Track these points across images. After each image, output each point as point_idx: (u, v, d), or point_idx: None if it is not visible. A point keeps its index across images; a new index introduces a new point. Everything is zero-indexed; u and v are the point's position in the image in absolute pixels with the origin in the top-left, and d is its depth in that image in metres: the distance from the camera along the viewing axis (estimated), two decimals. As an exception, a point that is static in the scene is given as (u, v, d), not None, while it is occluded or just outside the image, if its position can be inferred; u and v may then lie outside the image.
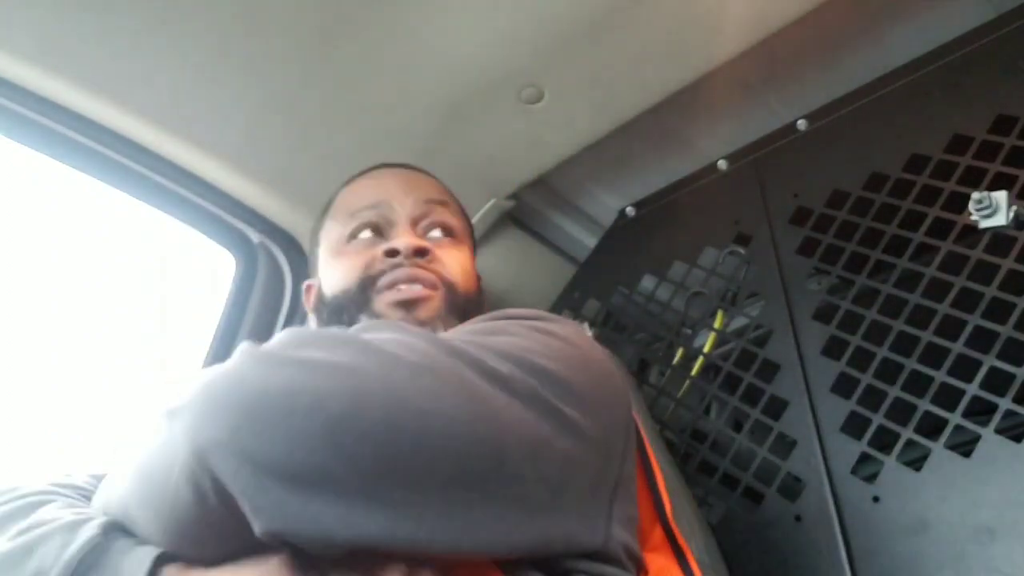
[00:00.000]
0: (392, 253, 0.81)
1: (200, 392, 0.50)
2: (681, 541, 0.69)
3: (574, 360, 0.61)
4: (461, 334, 0.62)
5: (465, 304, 0.82)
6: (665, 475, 0.74)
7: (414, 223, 0.86)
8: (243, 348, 0.53)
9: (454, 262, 0.84)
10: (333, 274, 0.84)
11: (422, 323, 0.77)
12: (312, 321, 0.89)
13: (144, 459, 0.53)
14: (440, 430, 0.49)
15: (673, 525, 0.70)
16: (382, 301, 0.79)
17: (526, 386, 0.55)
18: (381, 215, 0.86)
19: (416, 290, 0.79)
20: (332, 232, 0.88)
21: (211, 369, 0.52)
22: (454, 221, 0.89)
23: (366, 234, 0.85)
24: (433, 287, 0.80)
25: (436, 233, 0.87)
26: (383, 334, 0.55)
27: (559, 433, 0.55)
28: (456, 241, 0.88)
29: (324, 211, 0.93)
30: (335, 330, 0.57)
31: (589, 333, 1.11)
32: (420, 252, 0.81)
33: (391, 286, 0.79)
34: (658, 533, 0.69)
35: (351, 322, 0.79)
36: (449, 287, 0.82)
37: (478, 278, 0.90)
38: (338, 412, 0.48)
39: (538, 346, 0.59)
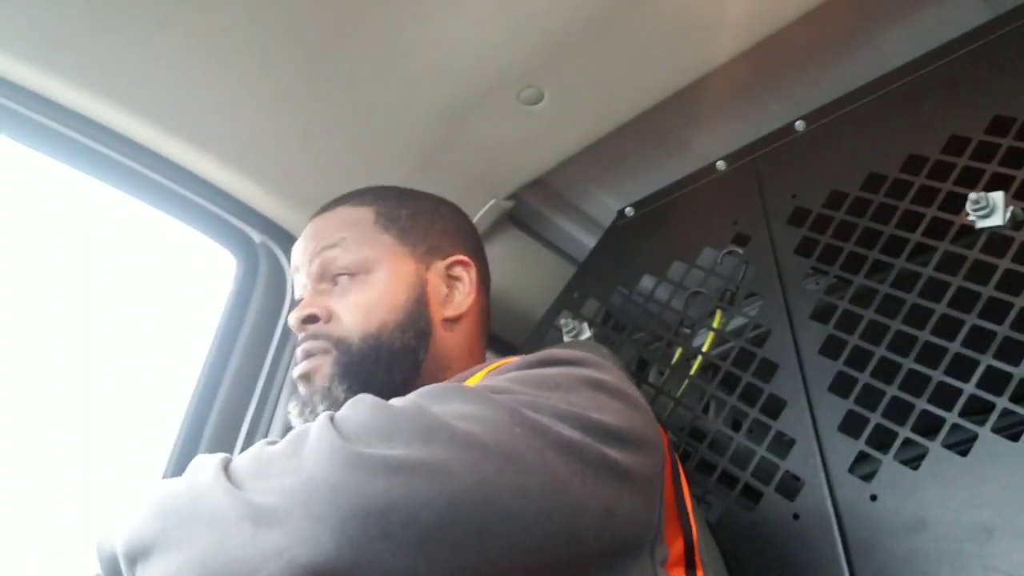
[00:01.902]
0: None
1: (294, 503, 0.48)
2: (698, 560, 0.70)
3: (626, 410, 0.63)
4: (519, 384, 0.60)
5: (368, 353, 0.80)
6: None
7: (317, 280, 0.85)
8: (332, 441, 0.51)
9: (351, 312, 0.82)
10: None
11: (313, 395, 0.79)
12: None
13: (213, 563, 0.49)
14: (527, 528, 0.51)
15: (696, 544, 0.71)
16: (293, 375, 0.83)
17: (595, 454, 0.56)
18: (299, 282, 0.87)
19: (306, 365, 0.80)
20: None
21: (299, 464, 0.50)
22: (348, 257, 0.85)
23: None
24: (325, 352, 0.80)
25: (333, 282, 0.84)
26: (455, 406, 0.55)
27: (624, 495, 0.58)
28: (353, 278, 0.84)
29: None
30: (410, 408, 0.54)
31: (588, 334, 1.12)
32: (306, 321, 0.82)
33: (295, 361, 0.82)
34: (677, 548, 0.69)
35: None
36: (343, 347, 0.80)
37: (416, 287, 0.84)
38: (433, 523, 0.48)
39: (596, 403, 0.61)
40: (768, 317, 0.95)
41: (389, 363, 0.80)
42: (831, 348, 0.88)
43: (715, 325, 1.02)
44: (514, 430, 0.53)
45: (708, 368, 1.01)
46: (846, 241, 0.92)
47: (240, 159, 1.07)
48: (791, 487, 0.85)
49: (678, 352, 1.05)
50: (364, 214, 0.87)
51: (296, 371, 0.81)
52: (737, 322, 1.01)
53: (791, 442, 0.86)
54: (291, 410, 0.80)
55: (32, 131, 0.97)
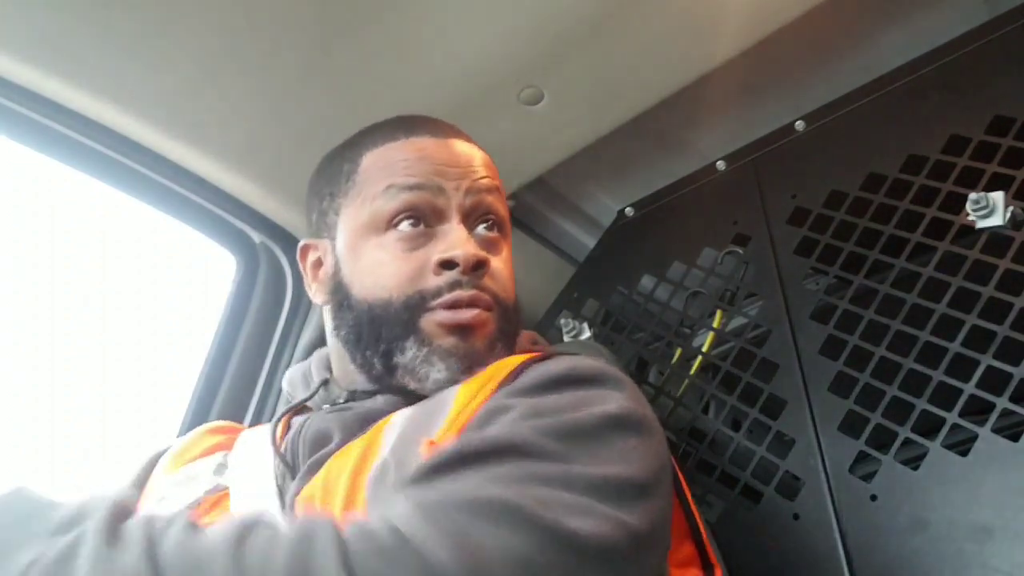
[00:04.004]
0: (449, 265, 0.71)
1: None
2: (713, 558, 0.70)
3: (648, 446, 0.60)
4: (545, 435, 0.55)
5: (513, 328, 0.74)
6: None
7: (465, 216, 0.74)
8: (414, 535, 0.47)
9: (504, 272, 0.75)
10: (367, 270, 0.74)
11: (477, 352, 0.70)
12: (326, 316, 0.79)
13: None
14: None
15: (707, 542, 0.70)
16: (433, 321, 0.70)
17: (640, 524, 0.54)
18: (427, 201, 0.73)
19: (473, 315, 0.70)
20: (362, 206, 0.75)
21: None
22: (503, 211, 0.77)
23: (407, 226, 0.73)
24: (488, 308, 0.72)
25: (485, 230, 0.75)
26: (496, 489, 0.50)
27: (651, 550, 0.57)
28: (504, 239, 0.77)
29: (344, 161, 0.79)
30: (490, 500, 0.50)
31: (588, 333, 1.12)
32: (479, 265, 0.71)
33: (449, 307, 0.70)
34: (687, 548, 0.69)
35: (391, 343, 0.71)
36: (502, 309, 0.73)
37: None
38: None
39: (621, 455, 0.57)
40: (768, 317, 0.95)
41: (512, 342, 0.74)
42: (831, 348, 0.88)
43: (715, 325, 1.02)
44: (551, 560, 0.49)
45: (708, 368, 1.01)
46: (846, 241, 0.92)
47: (240, 159, 1.08)
48: (791, 487, 0.85)
49: (678, 352, 1.05)
50: (496, 170, 0.80)
51: (461, 316, 0.70)
52: (737, 322, 1.01)
53: (791, 442, 0.86)
54: (440, 372, 0.69)
55: (32, 131, 0.97)
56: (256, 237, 1.17)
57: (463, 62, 1.03)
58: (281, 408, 0.80)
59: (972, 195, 0.82)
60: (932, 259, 0.85)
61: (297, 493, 0.65)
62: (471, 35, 1.00)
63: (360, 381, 0.76)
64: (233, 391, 1.13)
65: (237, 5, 0.92)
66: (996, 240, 0.81)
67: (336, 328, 0.77)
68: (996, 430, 0.74)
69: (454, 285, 0.71)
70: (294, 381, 0.84)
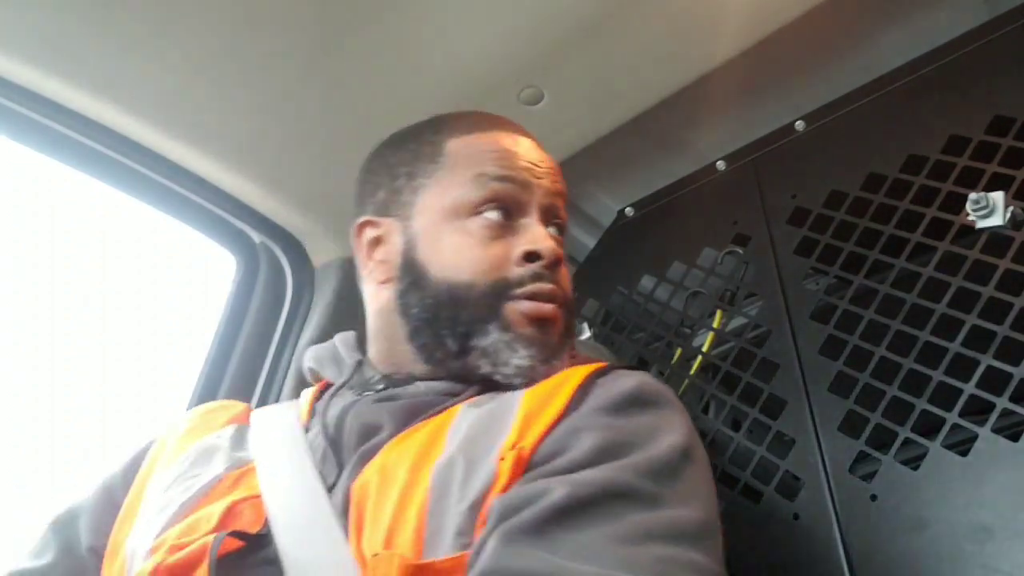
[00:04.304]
0: (533, 257, 0.74)
1: None
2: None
3: (707, 471, 0.64)
4: (635, 473, 0.58)
5: (573, 327, 0.78)
6: None
7: (542, 214, 0.76)
8: None
9: (567, 275, 0.78)
10: (448, 252, 0.74)
11: (549, 347, 0.73)
12: (379, 295, 0.79)
13: None
14: None
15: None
16: (516, 310, 0.72)
17: (718, 567, 0.57)
18: (513, 195, 0.76)
19: (552, 308, 0.73)
20: (446, 189, 0.76)
21: None
22: (566, 218, 0.81)
23: (494, 215, 0.75)
24: (561, 305, 0.74)
25: (554, 232, 0.78)
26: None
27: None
28: (561, 243, 0.80)
29: (423, 143, 0.81)
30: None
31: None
32: (558, 262, 0.75)
33: (530, 297, 0.73)
34: None
35: (472, 325, 0.72)
36: (567, 309, 0.76)
37: None
38: None
39: (694, 490, 0.61)
40: (768, 317, 0.95)
41: (572, 341, 0.78)
42: (831, 348, 0.88)
43: (715, 325, 1.02)
44: None
45: (708, 368, 1.01)
46: (846, 241, 0.92)
47: (240, 159, 1.08)
48: (791, 487, 0.85)
49: (678, 352, 1.05)
50: None
51: (543, 308, 0.72)
52: (737, 322, 1.01)
53: (791, 442, 0.86)
54: (522, 359, 0.71)
55: (32, 131, 0.98)
56: (256, 237, 1.18)
57: (463, 62, 1.03)
58: (288, 386, 0.80)
59: (972, 195, 0.82)
60: (932, 259, 0.85)
61: (351, 481, 0.65)
62: (471, 35, 1.00)
63: (409, 363, 0.76)
64: (233, 391, 1.13)
65: (237, 6, 0.92)
66: (996, 240, 0.81)
67: (402, 307, 0.76)
68: (996, 430, 0.74)
69: (536, 277, 0.73)
70: (322, 359, 0.83)
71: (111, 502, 0.76)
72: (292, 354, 1.16)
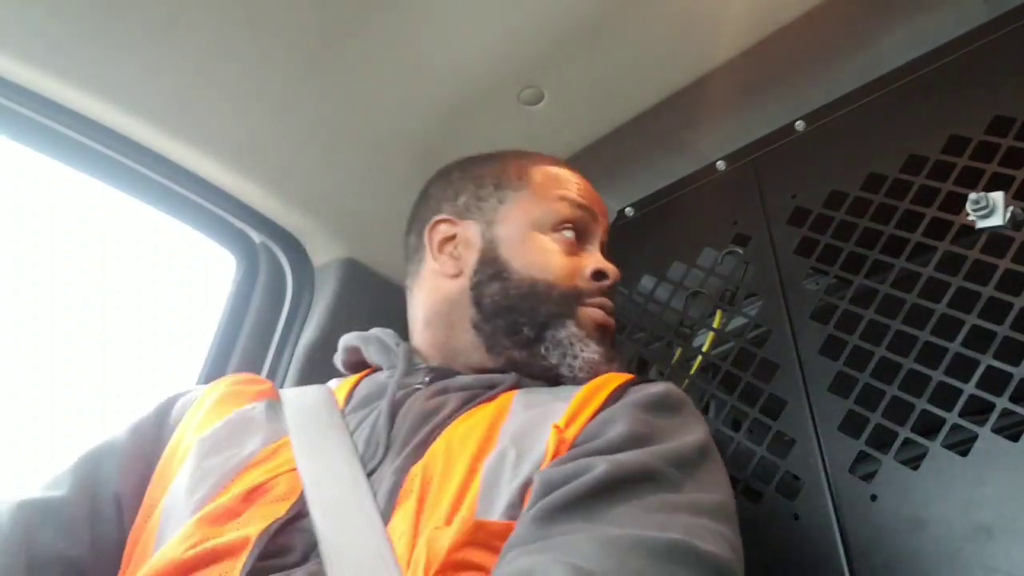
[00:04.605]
0: (601, 276, 0.86)
1: None
2: None
3: (723, 470, 0.70)
4: (667, 461, 0.64)
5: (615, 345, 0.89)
6: None
7: (601, 248, 0.90)
8: None
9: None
10: (534, 253, 0.85)
11: (608, 351, 0.83)
12: (444, 286, 0.87)
13: None
14: None
15: None
16: (588, 315, 0.83)
17: (738, 541, 0.63)
18: (586, 222, 0.89)
19: (612, 322, 0.86)
20: (534, 204, 0.88)
21: None
22: None
23: (569, 234, 0.87)
24: (615, 323, 0.87)
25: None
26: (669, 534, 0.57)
27: (742, 564, 0.63)
28: None
29: (509, 164, 0.92)
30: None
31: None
32: (615, 286, 0.87)
33: (599, 307, 0.84)
34: None
35: (551, 318, 0.82)
36: (615, 324, 0.87)
37: None
38: None
39: (716, 485, 0.66)
40: (768, 317, 0.95)
41: None
42: (831, 348, 0.88)
43: (715, 325, 1.02)
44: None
45: (708, 368, 1.01)
46: (846, 241, 0.92)
47: (240, 159, 1.08)
48: (791, 487, 0.85)
49: (678, 352, 1.05)
50: None
51: (608, 319, 0.85)
52: (737, 322, 1.01)
53: (791, 442, 0.86)
54: (593, 353, 0.81)
55: (32, 131, 0.97)
56: (256, 237, 1.18)
57: (463, 62, 1.03)
58: (288, 385, 0.82)
59: (972, 195, 0.82)
60: (932, 259, 0.85)
61: (405, 468, 0.67)
62: (471, 35, 1.00)
63: (465, 350, 0.84)
64: (233, 391, 1.13)
65: (237, 6, 0.92)
66: (996, 240, 0.81)
67: (475, 296, 0.85)
68: (996, 430, 0.74)
69: (603, 291, 0.86)
70: (369, 341, 0.87)
71: (142, 449, 0.77)
72: (292, 354, 1.16)
